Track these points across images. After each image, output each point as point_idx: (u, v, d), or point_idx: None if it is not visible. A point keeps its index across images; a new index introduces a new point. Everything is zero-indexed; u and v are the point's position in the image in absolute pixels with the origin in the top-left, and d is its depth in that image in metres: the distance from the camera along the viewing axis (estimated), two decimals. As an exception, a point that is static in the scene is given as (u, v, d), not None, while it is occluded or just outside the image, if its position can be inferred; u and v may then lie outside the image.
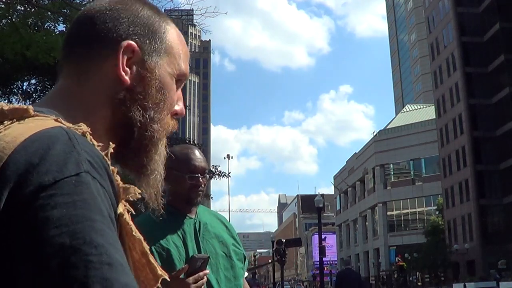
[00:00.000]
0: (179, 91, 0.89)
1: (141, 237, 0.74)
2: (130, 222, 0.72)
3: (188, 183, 2.18)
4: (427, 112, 69.78)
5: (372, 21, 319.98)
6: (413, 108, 78.69)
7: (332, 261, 76.87)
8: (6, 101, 17.85)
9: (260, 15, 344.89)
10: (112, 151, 0.73)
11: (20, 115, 0.68)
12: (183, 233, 2.18)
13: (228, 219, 2.51)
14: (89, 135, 0.71)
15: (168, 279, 0.79)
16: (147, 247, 0.75)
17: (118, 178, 0.72)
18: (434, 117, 60.79)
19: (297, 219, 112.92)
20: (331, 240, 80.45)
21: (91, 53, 0.81)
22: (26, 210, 0.59)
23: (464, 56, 52.15)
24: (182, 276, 1.92)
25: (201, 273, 1.93)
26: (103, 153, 0.70)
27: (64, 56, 0.84)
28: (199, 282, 1.92)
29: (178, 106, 0.88)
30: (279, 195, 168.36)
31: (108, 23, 0.81)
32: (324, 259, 27.22)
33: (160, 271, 0.77)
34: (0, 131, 0.65)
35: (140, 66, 0.82)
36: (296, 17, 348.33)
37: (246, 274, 2.46)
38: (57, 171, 0.61)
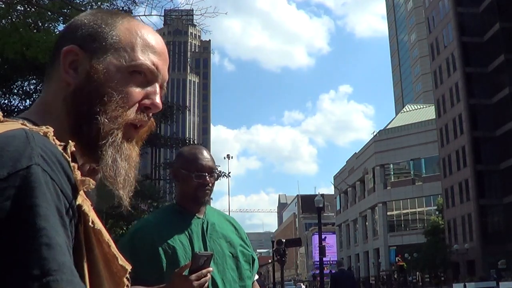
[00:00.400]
0: (155, 86, 0.92)
1: (102, 228, 0.78)
2: (90, 213, 0.77)
3: (195, 182, 2.20)
4: (427, 112, 69.79)
5: (371, 21, 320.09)
6: (413, 108, 78.70)
7: (332, 261, 76.81)
8: (7, 101, 17.86)
9: (259, 15, 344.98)
10: (74, 149, 0.79)
11: None
12: (190, 232, 2.19)
13: None
14: (51, 135, 0.77)
15: (129, 269, 0.82)
16: (108, 237, 0.79)
17: (78, 172, 0.77)
18: (434, 117, 60.80)
19: (297, 219, 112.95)
20: (331, 240, 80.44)
21: (52, 61, 0.90)
22: None
23: (464, 56, 52.14)
24: (185, 273, 1.91)
25: (204, 271, 1.91)
26: (61, 150, 0.76)
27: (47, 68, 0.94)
28: (202, 280, 1.90)
29: (148, 100, 0.90)
30: (279, 195, 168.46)
31: (65, 33, 0.92)
32: (324, 259, 27.20)
33: (124, 261, 0.81)
34: None
35: (85, 66, 0.87)
36: (295, 17, 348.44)
37: (257, 276, 2.44)
38: (11, 165, 0.69)
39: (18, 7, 10.38)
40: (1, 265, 0.65)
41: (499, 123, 49.01)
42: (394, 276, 61.52)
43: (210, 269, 1.95)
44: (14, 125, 0.77)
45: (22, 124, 0.78)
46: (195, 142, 28.97)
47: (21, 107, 18.16)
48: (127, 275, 0.83)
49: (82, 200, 0.77)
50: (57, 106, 0.87)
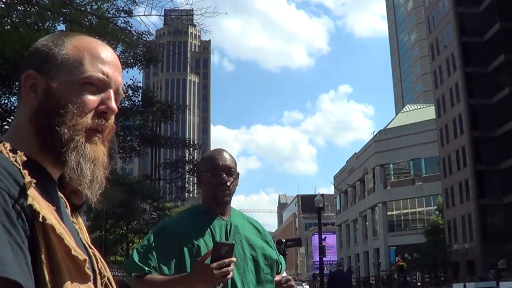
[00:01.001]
0: (108, 92, 1.02)
1: (56, 223, 0.89)
2: (42, 211, 0.88)
3: (213, 181, 2.25)
4: (427, 112, 69.78)
5: (371, 21, 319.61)
6: (413, 108, 78.68)
7: (332, 261, 76.73)
8: (7, 100, 17.85)
9: (259, 15, 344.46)
10: (25, 158, 0.92)
11: None
12: (214, 233, 2.24)
13: None
14: (4, 150, 0.91)
15: (83, 258, 0.91)
16: (62, 231, 0.89)
17: (27, 177, 0.89)
18: (434, 117, 60.79)
19: (297, 219, 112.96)
20: (331, 240, 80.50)
21: (20, 88, 1.03)
22: None
23: (464, 56, 52.14)
24: (207, 262, 1.94)
25: (226, 260, 1.92)
26: (12, 160, 0.90)
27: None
28: (223, 269, 1.91)
29: (104, 105, 1.01)
30: (279, 195, 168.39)
31: (25, 62, 1.04)
32: (324, 259, 27.23)
33: (77, 253, 0.90)
34: None
35: (43, 86, 0.99)
36: (295, 17, 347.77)
37: (285, 273, 2.46)
38: None
39: (18, 7, 10.38)
40: None
41: (499, 123, 49.00)
42: (394, 276, 61.51)
43: (233, 259, 1.96)
44: None
45: None
46: (195, 142, 28.91)
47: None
48: (87, 265, 0.92)
49: (32, 200, 0.87)
50: (25, 126, 0.99)
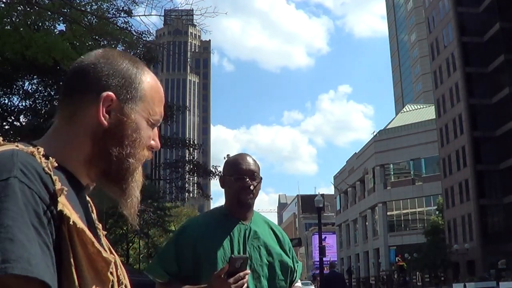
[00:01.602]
0: (155, 130, 1.10)
1: (84, 228, 0.92)
2: (72, 216, 0.91)
3: (237, 185, 2.30)
4: (427, 112, 69.77)
5: (370, 21, 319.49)
6: (413, 108, 78.67)
7: (332, 261, 76.49)
8: (7, 100, 17.84)
9: (258, 15, 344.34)
10: (56, 164, 0.94)
11: None
12: (232, 237, 2.28)
13: None
14: (38, 155, 0.93)
15: (112, 260, 0.95)
16: (91, 236, 0.92)
17: (58, 184, 0.91)
18: (434, 117, 60.78)
19: (297, 219, 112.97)
20: (331, 240, 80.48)
21: (79, 100, 1.03)
22: None
23: (464, 56, 52.14)
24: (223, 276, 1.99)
25: (241, 273, 1.98)
26: (44, 166, 0.92)
27: (60, 100, 1.09)
28: (239, 282, 1.97)
29: (154, 142, 1.09)
30: (279, 195, 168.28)
31: (93, 76, 1.03)
32: (324, 259, 27.21)
33: (107, 255, 0.94)
34: None
35: (118, 112, 1.02)
36: (295, 17, 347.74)
37: (298, 284, 2.50)
38: None
39: (18, 7, 10.37)
40: None
41: (499, 123, 49.00)
42: (394, 276, 61.50)
43: (248, 271, 2.02)
44: (9, 146, 0.94)
45: (16, 146, 0.94)
46: (195, 142, 28.91)
47: (21, 107, 18.15)
48: (110, 270, 0.95)
49: (63, 205, 0.90)
50: (80, 141, 1.01)
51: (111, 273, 0.95)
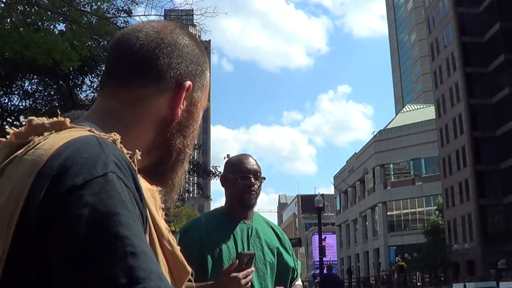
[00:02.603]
0: None
1: (166, 231, 0.84)
2: (159, 221, 0.83)
3: (241, 184, 2.32)
4: (427, 112, 69.78)
5: (369, 21, 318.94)
6: (413, 108, 78.67)
7: (332, 261, 76.65)
8: (7, 100, 17.83)
9: (258, 15, 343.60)
10: (140, 158, 0.82)
11: (58, 127, 0.81)
12: (236, 236, 2.31)
13: None
14: (119, 143, 0.81)
15: (190, 271, 0.90)
16: (175, 243, 0.86)
17: (143, 180, 0.82)
18: (434, 117, 60.78)
19: (297, 219, 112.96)
20: (331, 240, 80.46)
21: (147, 85, 0.90)
22: (60, 207, 0.68)
23: (464, 56, 52.14)
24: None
25: (249, 270, 2.01)
26: (130, 159, 0.79)
27: (116, 79, 0.92)
28: (247, 278, 2.00)
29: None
30: (279, 195, 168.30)
31: (168, 60, 0.92)
32: (324, 259, 27.22)
33: (188, 266, 0.88)
34: (40, 141, 0.77)
35: (188, 101, 0.94)
36: (294, 17, 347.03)
37: (299, 283, 2.52)
38: (87, 172, 0.70)
39: (18, 7, 10.37)
40: (84, 274, 0.65)
41: (499, 123, 49.00)
42: (394, 276, 61.50)
43: (253, 268, 2.05)
44: (82, 131, 0.80)
45: (89, 130, 0.81)
46: (195, 143, 28.91)
47: (21, 107, 18.14)
48: (190, 277, 0.88)
49: (150, 206, 0.81)
50: (139, 125, 0.89)
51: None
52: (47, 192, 0.70)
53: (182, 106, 0.92)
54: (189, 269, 0.88)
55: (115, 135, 0.81)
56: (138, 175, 0.80)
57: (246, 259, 2.01)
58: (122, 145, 0.81)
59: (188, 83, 0.93)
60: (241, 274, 1.97)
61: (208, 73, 1.00)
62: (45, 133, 0.79)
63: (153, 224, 0.81)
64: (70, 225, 0.67)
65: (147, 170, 0.90)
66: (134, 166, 0.79)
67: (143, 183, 0.83)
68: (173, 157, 0.94)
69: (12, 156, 0.77)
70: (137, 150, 0.82)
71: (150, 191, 0.85)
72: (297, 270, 2.47)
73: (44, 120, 0.82)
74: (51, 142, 0.76)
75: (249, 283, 2.02)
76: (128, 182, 0.74)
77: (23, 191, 0.71)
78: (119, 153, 0.77)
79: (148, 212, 0.80)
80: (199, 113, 0.97)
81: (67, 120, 0.82)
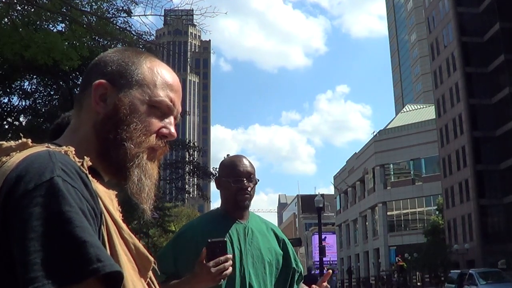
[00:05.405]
0: (171, 118, 1.10)
1: (125, 226, 0.94)
2: (114, 215, 0.93)
3: (234, 187, 2.32)
4: (427, 112, 69.74)
5: (367, 21, 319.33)
6: (413, 108, 78.63)
7: (332, 261, 76.77)
8: (6, 100, 17.80)
9: (256, 15, 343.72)
10: (90, 163, 0.95)
11: (22, 147, 0.96)
12: (232, 236, 2.31)
13: None
14: (71, 154, 0.95)
15: (153, 260, 0.97)
16: (132, 236, 0.95)
17: (95, 182, 0.94)
18: (434, 117, 60.75)
19: (297, 219, 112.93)
20: (331, 240, 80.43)
21: (83, 94, 1.08)
22: (17, 209, 0.84)
23: (464, 56, 52.11)
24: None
25: (222, 258, 1.96)
26: (79, 165, 0.93)
27: (76, 100, 1.11)
28: (220, 266, 1.95)
29: (165, 129, 1.08)
30: (279, 195, 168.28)
31: (95, 69, 1.08)
32: (324, 259, 27.23)
33: (150, 256, 0.96)
34: (7, 160, 0.93)
35: (113, 98, 1.04)
36: (292, 17, 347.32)
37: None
38: (37, 178, 0.85)
39: (18, 7, 10.36)
40: (35, 260, 0.78)
41: (499, 123, 48.97)
42: (394, 276, 61.47)
43: (229, 256, 1.99)
44: (39, 148, 0.96)
45: (47, 147, 0.96)
46: (195, 143, 28.92)
47: (21, 107, 18.12)
48: (153, 265, 0.97)
49: (103, 205, 0.92)
50: (86, 131, 1.04)
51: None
52: (6, 198, 0.85)
53: (101, 102, 1.04)
54: (151, 258, 0.96)
55: (68, 148, 0.96)
56: (95, 180, 0.93)
57: (217, 247, 1.96)
58: (74, 155, 0.94)
59: (97, 81, 1.04)
60: (211, 263, 1.94)
61: (145, 69, 1.07)
62: (12, 153, 0.95)
63: (111, 218, 0.92)
64: (24, 222, 0.81)
65: (108, 170, 1.04)
66: (84, 170, 0.92)
67: (100, 187, 0.95)
68: (111, 151, 1.02)
69: None
70: (85, 157, 0.95)
71: (107, 193, 0.97)
72: (297, 270, 2.45)
73: (12, 143, 0.97)
74: (14, 160, 0.92)
75: (228, 271, 1.96)
76: (75, 183, 0.87)
77: None
78: (67, 160, 0.91)
79: (104, 208, 0.92)
80: (134, 107, 1.04)
81: (29, 141, 0.97)
